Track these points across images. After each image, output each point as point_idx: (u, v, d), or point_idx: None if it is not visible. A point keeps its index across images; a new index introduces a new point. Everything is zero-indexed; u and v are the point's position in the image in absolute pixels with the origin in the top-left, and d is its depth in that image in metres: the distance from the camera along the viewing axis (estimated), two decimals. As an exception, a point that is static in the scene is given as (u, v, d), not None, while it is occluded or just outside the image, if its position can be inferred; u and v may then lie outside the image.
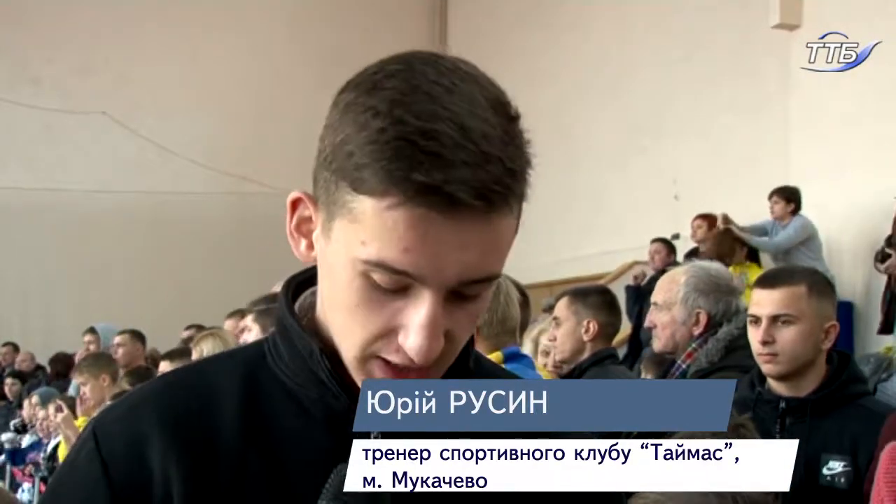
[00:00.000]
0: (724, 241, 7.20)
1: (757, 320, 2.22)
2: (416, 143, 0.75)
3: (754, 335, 2.23)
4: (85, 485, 0.87)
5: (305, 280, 0.97)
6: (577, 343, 3.07)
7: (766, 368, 2.22)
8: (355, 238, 0.78)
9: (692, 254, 7.76)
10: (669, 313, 2.69)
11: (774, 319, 2.19)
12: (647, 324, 2.85)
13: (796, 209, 7.26)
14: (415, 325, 0.79)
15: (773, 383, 2.26)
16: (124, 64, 12.48)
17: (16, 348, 10.74)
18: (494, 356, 2.23)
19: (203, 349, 3.75)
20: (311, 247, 0.86)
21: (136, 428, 0.88)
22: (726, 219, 7.41)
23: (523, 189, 0.81)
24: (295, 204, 0.86)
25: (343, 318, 0.83)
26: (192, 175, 12.39)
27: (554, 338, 3.14)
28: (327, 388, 0.88)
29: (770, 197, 7.33)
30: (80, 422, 4.53)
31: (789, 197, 7.26)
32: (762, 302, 2.22)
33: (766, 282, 2.28)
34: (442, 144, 0.75)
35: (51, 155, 12.12)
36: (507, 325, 2.33)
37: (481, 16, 13.22)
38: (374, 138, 0.76)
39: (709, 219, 7.84)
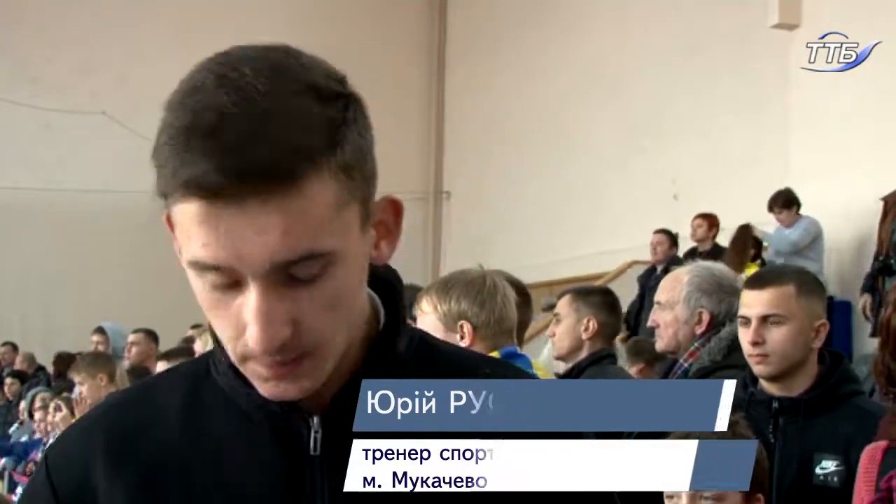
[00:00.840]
0: (739, 238, 7.17)
1: (747, 321, 2.23)
2: (177, 140, 0.78)
3: (744, 336, 2.24)
4: None
5: None
6: (575, 340, 3.08)
7: (757, 369, 2.23)
8: (177, 244, 0.81)
9: (691, 253, 7.76)
10: (672, 312, 2.70)
11: (764, 320, 2.20)
12: (649, 323, 2.86)
13: (798, 210, 7.27)
14: (249, 317, 0.79)
15: (765, 383, 2.26)
16: (124, 64, 12.47)
17: (15, 348, 10.73)
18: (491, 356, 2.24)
19: (209, 341, 3.75)
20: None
21: (82, 451, 0.91)
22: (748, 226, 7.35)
23: (311, 162, 0.76)
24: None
25: (213, 324, 0.84)
26: (192, 175, 12.39)
27: (553, 333, 3.16)
28: (255, 393, 0.87)
29: (771, 209, 7.30)
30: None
31: (789, 201, 7.24)
32: (751, 303, 2.23)
33: (755, 283, 2.29)
34: (201, 136, 0.76)
35: (50, 155, 12.11)
36: (504, 325, 2.32)
37: (481, 15, 13.21)
38: (155, 146, 0.81)
39: (709, 219, 7.84)
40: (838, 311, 7.13)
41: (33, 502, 0.93)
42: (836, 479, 2.11)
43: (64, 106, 12.04)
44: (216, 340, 0.89)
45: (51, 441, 5.56)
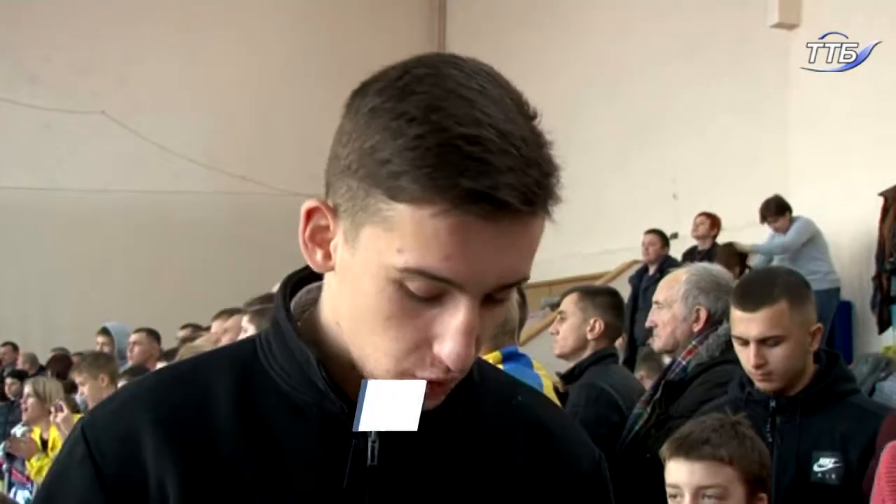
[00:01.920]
0: (722, 253, 7.14)
1: (744, 342, 2.21)
2: (460, 149, 0.74)
3: (745, 357, 2.21)
4: (78, 489, 0.85)
5: (302, 279, 0.95)
6: (579, 340, 3.08)
7: (761, 386, 2.23)
8: (389, 246, 0.76)
9: (690, 253, 7.76)
10: (670, 311, 2.73)
11: (763, 342, 2.18)
12: (648, 323, 2.87)
13: (791, 215, 7.23)
14: (452, 332, 0.78)
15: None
16: (123, 63, 12.47)
17: (15, 348, 10.73)
18: (493, 356, 2.24)
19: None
20: (327, 257, 0.83)
21: (128, 426, 0.86)
22: (731, 245, 7.33)
23: (559, 191, 0.81)
24: (310, 213, 0.83)
25: (372, 332, 0.80)
26: (192, 175, 12.39)
27: (557, 331, 3.16)
28: (323, 395, 0.86)
29: (764, 219, 7.25)
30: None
31: (781, 207, 7.21)
32: (747, 325, 2.19)
33: (747, 303, 2.19)
34: (486, 150, 0.74)
35: (49, 154, 12.11)
36: (507, 326, 2.34)
37: (481, 15, 13.22)
38: (412, 145, 0.74)
39: (712, 218, 7.83)
40: (839, 311, 7.14)
41: (70, 481, 0.86)
42: (834, 476, 2.11)
43: (64, 106, 12.03)
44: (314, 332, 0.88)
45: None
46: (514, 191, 0.74)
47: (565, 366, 3.17)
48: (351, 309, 0.82)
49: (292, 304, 0.93)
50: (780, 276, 2.32)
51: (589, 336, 3.07)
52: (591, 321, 3.07)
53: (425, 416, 0.86)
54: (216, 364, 0.91)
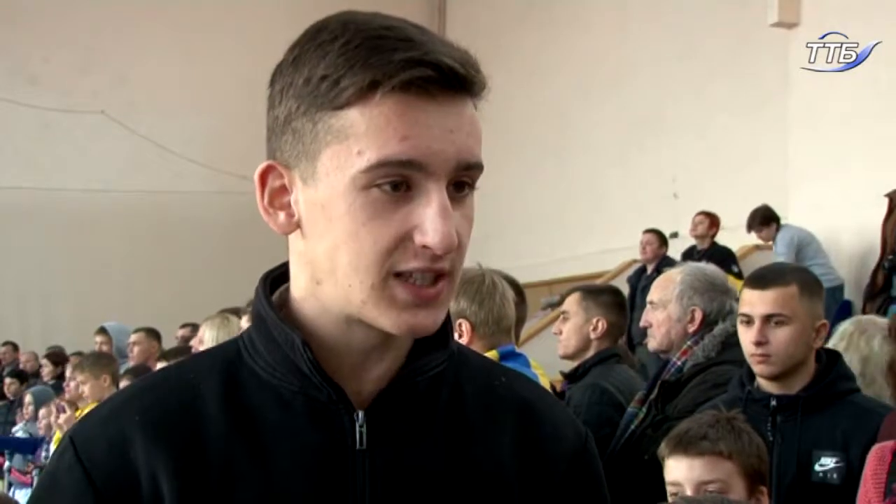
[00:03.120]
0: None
1: (749, 320, 2.22)
2: (385, 37, 0.79)
3: (746, 335, 2.23)
4: (69, 495, 0.86)
5: (279, 276, 0.96)
6: (583, 340, 3.07)
7: (758, 369, 2.23)
8: (349, 154, 0.80)
9: (690, 252, 7.77)
10: (665, 311, 2.72)
11: (767, 319, 2.19)
12: (642, 323, 2.86)
13: (778, 224, 7.22)
14: (429, 216, 0.80)
15: (762, 382, 2.26)
16: (123, 63, 12.47)
17: (15, 348, 10.74)
18: (490, 355, 2.23)
19: (207, 332, 3.75)
20: (290, 216, 0.86)
21: (117, 430, 0.87)
22: None
23: (483, 78, 0.84)
24: (264, 177, 0.86)
25: (351, 250, 0.82)
26: (191, 174, 12.39)
27: (560, 331, 3.15)
28: (308, 380, 0.87)
29: (750, 229, 7.28)
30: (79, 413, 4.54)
31: (766, 218, 7.20)
32: (754, 302, 2.22)
33: (758, 282, 2.27)
34: (408, 34, 0.80)
35: (49, 154, 12.11)
36: (503, 324, 2.32)
37: (481, 14, 13.21)
38: (341, 51, 0.79)
39: (711, 217, 7.84)
40: (838, 310, 7.14)
41: (59, 488, 0.87)
42: (835, 475, 2.11)
43: (63, 105, 12.03)
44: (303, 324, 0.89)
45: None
46: (450, 60, 0.80)
47: (567, 365, 3.16)
48: (326, 244, 0.83)
49: (273, 298, 0.94)
50: (794, 267, 2.44)
51: (592, 336, 3.06)
52: (594, 321, 3.05)
53: (411, 398, 0.89)
54: (201, 366, 0.93)
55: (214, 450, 0.86)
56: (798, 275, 2.29)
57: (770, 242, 7.29)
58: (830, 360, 2.27)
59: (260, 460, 0.87)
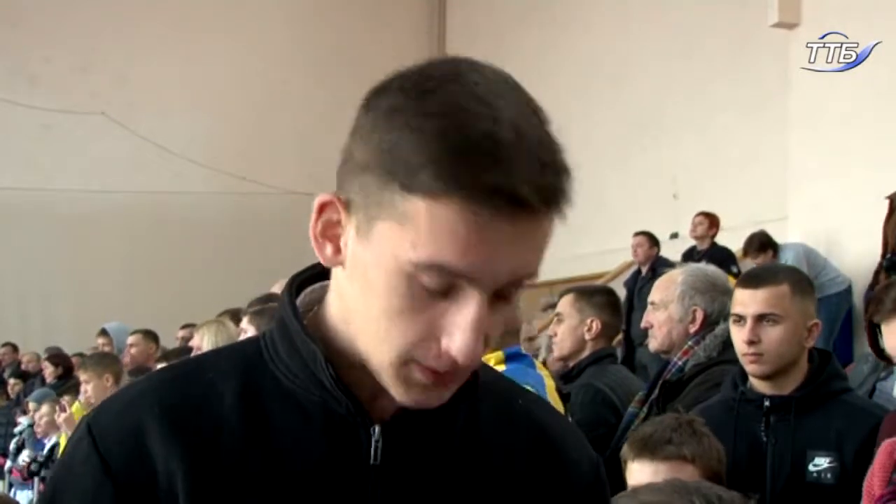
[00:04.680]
0: None
1: (741, 319, 2.23)
2: (480, 146, 0.75)
3: (738, 335, 2.23)
4: (86, 484, 0.85)
5: (306, 279, 0.95)
6: (577, 341, 3.08)
7: (750, 368, 2.23)
8: (403, 240, 0.77)
9: (690, 253, 7.76)
10: (666, 311, 2.72)
11: (759, 319, 2.19)
12: (643, 324, 2.86)
13: (775, 250, 7.17)
14: (461, 326, 0.78)
15: (756, 382, 2.26)
16: (123, 63, 12.47)
17: (15, 348, 10.74)
18: (494, 356, 2.23)
19: (205, 337, 3.74)
20: (337, 251, 0.84)
21: (135, 421, 0.86)
22: None
23: (572, 193, 0.82)
24: (323, 207, 0.83)
25: (380, 324, 0.81)
26: (191, 175, 12.39)
27: (555, 333, 3.15)
28: (329, 393, 0.87)
29: (746, 254, 7.19)
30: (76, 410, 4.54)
31: (763, 245, 7.11)
32: (746, 301, 2.22)
33: (750, 281, 2.28)
34: (505, 148, 0.75)
35: (49, 155, 12.11)
36: (508, 326, 2.32)
37: (480, 14, 13.22)
38: (432, 140, 0.75)
39: (710, 217, 7.83)
40: (838, 311, 7.13)
41: (76, 477, 0.86)
42: (829, 475, 2.11)
43: (63, 106, 12.03)
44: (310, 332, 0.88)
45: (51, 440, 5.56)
46: (532, 189, 0.76)
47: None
48: (360, 303, 0.83)
49: (297, 303, 0.93)
50: (786, 267, 2.49)
51: (587, 336, 3.06)
52: (589, 321, 3.05)
53: (429, 415, 0.87)
54: (221, 362, 0.92)
55: (229, 450, 0.86)
56: (790, 274, 2.30)
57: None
58: (823, 360, 2.28)
59: (274, 466, 0.86)
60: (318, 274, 0.93)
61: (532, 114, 0.80)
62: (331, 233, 0.84)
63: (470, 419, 0.92)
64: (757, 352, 2.19)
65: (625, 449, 1.96)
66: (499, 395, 0.98)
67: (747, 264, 7.17)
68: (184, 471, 0.84)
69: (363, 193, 0.79)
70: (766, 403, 2.20)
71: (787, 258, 7.01)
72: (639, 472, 1.91)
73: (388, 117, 0.78)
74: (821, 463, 2.12)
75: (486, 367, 1.01)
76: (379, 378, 0.84)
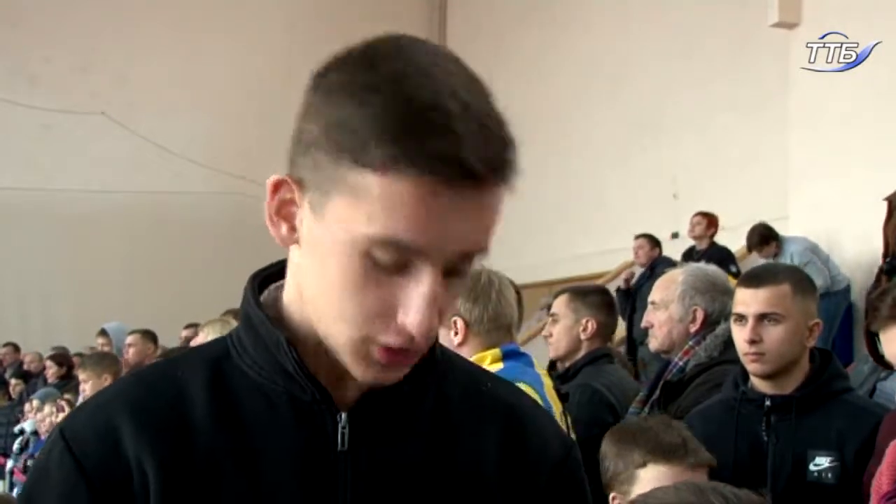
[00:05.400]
0: None
1: (742, 319, 2.23)
2: (425, 116, 0.75)
3: (740, 334, 2.23)
4: (61, 487, 0.86)
5: (270, 275, 0.96)
6: (573, 341, 3.07)
7: (752, 368, 2.23)
8: (357, 215, 0.78)
9: (689, 253, 7.76)
10: (667, 311, 2.72)
11: (761, 318, 2.19)
12: (644, 324, 2.85)
13: (778, 241, 7.17)
14: (416, 301, 0.79)
15: (757, 382, 2.26)
16: (123, 63, 12.47)
17: (16, 349, 10.74)
18: (491, 353, 2.21)
19: (209, 336, 3.74)
20: (293, 230, 0.85)
21: (106, 422, 0.87)
22: None
23: (519, 164, 0.82)
24: (276, 187, 0.85)
25: (336, 301, 0.82)
26: (191, 175, 12.39)
27: (550, 334, 3.14)
28: (293, 380, 0.88)
29: (750, 250, 7.20)
30: None
31: (765, 237, 7.12)
32: (748, 301, 2.22)
33: (751, 281, 2.28)
34: (451, 118, 0.76)
35: (49, 155, 12.11)
36: (500, 321, 2.29)
37: (480, 14, 13.22)
38: (378, 113, 0.76)
39: (709, 217, 7.83)
40: (839, 311, 7.13)
41: (51, 480, 0.87)
42: (830, 475, 2.11)
43: (63, 106, 12.03)
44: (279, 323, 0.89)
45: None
46: (479, 158, 0.76)
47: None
48: (316, 279, 0.84)
49: (261, 299, 0.94)
50: (787, 266, 2.46)
51: (582, 336, 3.05)
52: (584, 321, 3.05)
53: (395, 400, 0.89)
54: (190, 363, 0.93)
55: (200, 446, 0.87)
56: (791, 274, 2.31)
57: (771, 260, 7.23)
58: (824, 360, 2.28)
59: (245, 458, 0.87)
60: (281, 271, 0.94)
61: (476, 87, 0.80)
62: (285, 211, 0.85)
63: (438, 402, 0.94)
64: (758, 351, 2.19)
65: (637, 455, 1.93)
66: (466, 378, 0.99)
67: (752, 260, 7.18)
68: (154, 467, 0.85)
69: (315, 170, 0.80)
70: (767, 403, 2.20)
71: (792, 251, 7.01)
72: (664, 477, 1.87)
73: (334, 94, 0.80)
74: (822, 462, 2.12)
75: (451, 352, 1.02)
76: (339, 357, 0.85)
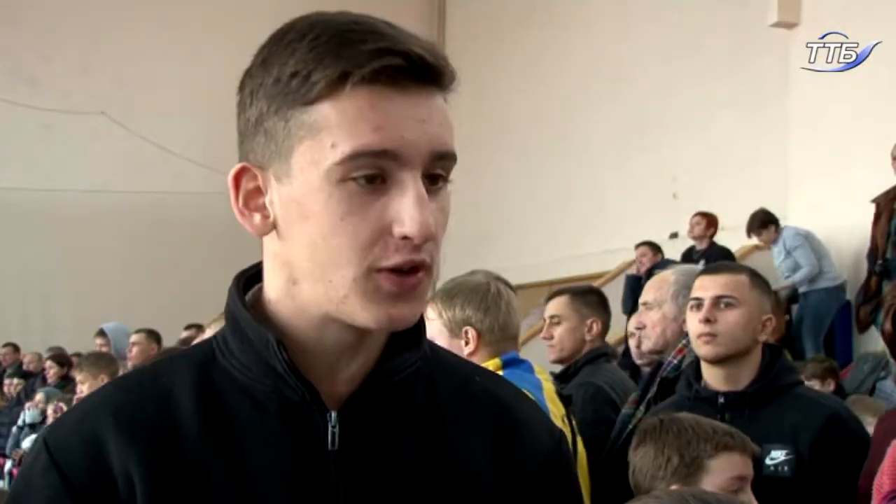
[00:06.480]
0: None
1: (699, 304, 2.27)
2: (354, 31, 0.80)
3: (695, 317, 2.27)
4: (44, 498, 0.85)
5: (254, 275, 0.96)
6: (578, 342, 3.07)
7: (703, 350, 2.26)
8: (323, 148, 0.80)
9: (689, 253, 7.76)
10: (660, 311, 2.73)
11: (717, 301, 2.25)
12: (636, 324, 2.86)
13: (777, 226, 7.20)
14: (406, 207, 0.80)
15: (710, 379, 2.29)
16: (123, 63, 12.47)
17: (16, 349, 10.73)
18: (493, 363, 2.23)
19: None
20: (265, 217, 0.86)
21: (91, 432, 0.86)
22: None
23: (453, 69, 0.85)
24: (238, 178, 0.86)
25: (333, 248, 0.82)
26: (191, 174, 12.38)
27: (550, 336, 3.13)
28: (283, 380, 0.87)
29: (749, 235, 7.26)
30: None
31: (765, 221, 7.15)
32: (706, 286, 2.29)
33: (710, 270, 2.40)
34: (378, 27, 0.81)
35: (49, 155, 12.11)
36: (508, 332, 2.32)
37: (480, 15, 13.22)
38: (311, 46, 0.80)
39: (708, 217, 7.83)
40: (839, 311, 7.14)
41: (35, 491, 0.86)
42: (786, 468, 2.13)
43: (63, 106, 12.03)
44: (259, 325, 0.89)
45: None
46: (417, 55, 0.80)
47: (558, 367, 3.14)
48: (305, 242, 0.83)
49: (246, 298, 0.94)
50: (747, 266, 2.54)
51: (587, 337, 3.06)
52: (589, 322, 3.05)
53: (384, 398, 0.89)
54: (176, 367, 0.92)
55: (188, 451, 0.86)
56: (750, 269, 2.40)
57: (770, 245, 7.26)
58: (774, 355, 2.31)
59: (234, 462, 0.86)
60: (261, 272, 0.94)
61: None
62: (253, 202, 0.86)
63: (427, 399, 0.93)
64: (712, 332, 2.23)
65: (708, 445, 1.87)
66: (455, 374, 0.99)
67: (752, 260, 7.18)
68: (141, 475, 0.84)
69: (270, 140, 0.83)
70: (721, 400, 2.23)
71: (786, 236, 7.06)
72: (733, 466, 1.85)
73: (262, 70, 0.84)
74: (777, 456, 2.14)
75: (438, 347, 1.02)
76: (346, 316, 0.84)
